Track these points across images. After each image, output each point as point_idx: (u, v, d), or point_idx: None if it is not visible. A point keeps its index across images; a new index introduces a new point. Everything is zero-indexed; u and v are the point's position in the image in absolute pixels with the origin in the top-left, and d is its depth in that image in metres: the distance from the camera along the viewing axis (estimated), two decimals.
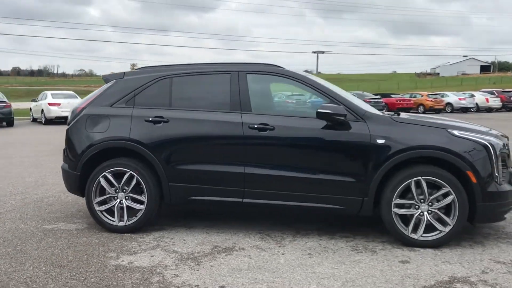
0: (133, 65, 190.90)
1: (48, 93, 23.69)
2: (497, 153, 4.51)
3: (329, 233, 4.98)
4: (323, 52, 45.89)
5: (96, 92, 5.33)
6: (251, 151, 4.78)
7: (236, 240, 4.76)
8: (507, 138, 5.00)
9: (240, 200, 4.83)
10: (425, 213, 4.51)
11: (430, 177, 4.47)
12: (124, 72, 5.33)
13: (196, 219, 5.49)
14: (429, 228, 4.53)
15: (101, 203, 5.01)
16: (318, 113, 4.58)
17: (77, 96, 24.15)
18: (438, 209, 4.51)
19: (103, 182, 4.96)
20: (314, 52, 45.24)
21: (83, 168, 5.06)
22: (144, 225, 5.02)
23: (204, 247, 4.57)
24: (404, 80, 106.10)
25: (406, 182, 4.50)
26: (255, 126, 4.74)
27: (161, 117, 4.94)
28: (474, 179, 4.43)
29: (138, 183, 4.93)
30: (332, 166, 4.67)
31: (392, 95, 36.67)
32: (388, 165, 4.53)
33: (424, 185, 4.48)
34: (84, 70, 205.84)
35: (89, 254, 4.36)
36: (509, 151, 4.76)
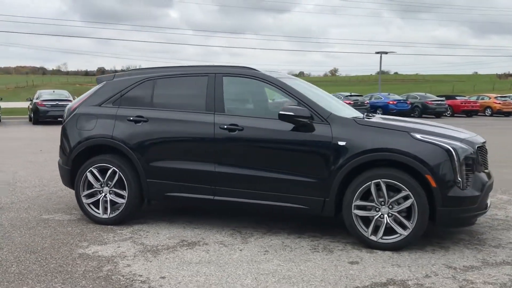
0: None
1: None
2: (461, 157, 4.43)
3: (299, 232, 5.09)
4: (386, 53, 44.86)
5: (88, 92, 5.74)
6: (221, 151, 4.98)
7: (206, 236, 4.98)
8: (482, 142, 4.89)
9: (211, 197, 5.04)
10: (386, 215, 4.51)
11: (389, 180, 4.47)
12: (114, 74, 5.72)
13: (180, 215, 5.76)
14: (390, 231, 4.53)
15: (88, 196, 5.40)
16: (279, 115, 4.71)
17: None
18: (399, 212, 4.50)
19: (89, 177, 5.35)
20: (377, 53, 44.36)
21: (73, 163, 5.48)
22: (126, 218, 5.35)
23: (172, 240, 4.82)
24: (483, 82, 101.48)
25: (366, 184, 4.52)
26: (225, 126, 4.94)
27: (142, 116, 5.26)
28: (433, 183, 4.38)
29: (120, 178, 5.26)
30: (296, 166, 4.77)
31: (457, 97, 35.31)
32: (348, 167, 4.57)
33: (384, 187, 4.48)
34: None
35: (64, 243, 4.75)
36: (478, 156, 4.65)
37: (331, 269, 4.06)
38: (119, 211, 5.30)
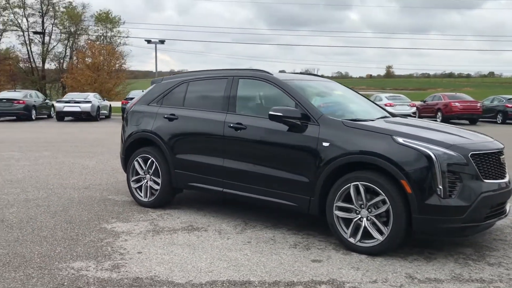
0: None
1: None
2: (443, 164, 4.20)
3: (299, 230, 5.26)
4: None
5: (143, 93, 6.62)
6: (228, 147, 5.42)
7: (213, 223, 5.47)
8: (487, 150, 4.52)
9: (221, 189, 5.52)
10: (364, 219, 4.50)
11: (367, 183, 4.44)
12: (163, 77, 6.50)
13: (210, 204, 6.32)
14: (369, 234, 4.50)
15: (136, 181, 6.28)
16: (269, 115, 4.97)
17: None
18: (378, 216, 4.44)
19: (136, 165, 6.22)
20: None
21: (126, 152, 6.42)
22: (161, 203, 6.09)
23: (181, 225, 5.41)
24: None
25: (346, 186, 4.56)
26: (231, 125, 5.37)
27: (174, 114, 5.95)
28: (408, 189, 4.25)
29: (156, 168, 6.03)
30: (288, 165, 4.98)
31: None
32: (330, 167, 4.65)
33: (362, 190, 4.47)
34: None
35: (99, 218, 5.66)
36: (472, 164, 4.33)
37: (288, 263, 4.25)
38: (155, 196, 6.06)
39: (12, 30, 60.79)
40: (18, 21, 60.63)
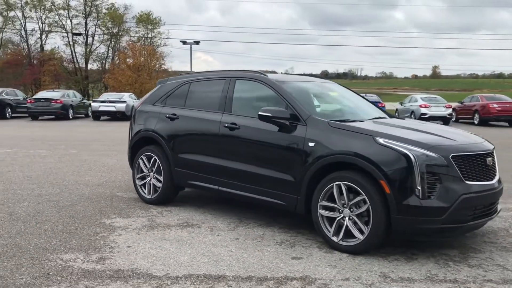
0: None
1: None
2: (422, 165, 4.22)
3: (291, 228, 5.35)
4: None
5: (148, 93, 6.85)
6: (223, 146, 5.57)
7: (208, 221, 5.63)
8: (471, 151, 4.50)
9: (217, 188, 5.67)
10: (347, 218, 4.56)
11: (348, 183, 4.50)
12: (168, 78, 6.71)
13: (212, 203, 6.48)
14: (351, 234, 4.56)
15: (140, 179, 6.52)
16: (259, 115, 5.08)
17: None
18: (359, 216, 4.49)
19: (141, 163, 6.46)
20: None
21: (131, 151, 6.67)
22: (164, 200, 6.30)
23: (178, 222, 5.59)
24: None
25: (330, 185, 4.63)
26: (226, 125, 5.52)
27: (175, 114, 6.15)
28: (387, 189, 4.29)
29: (158, 166, 6.24)
30: (277, 164, 5.08)
31: None
32: (314, 167, 4.73)
33: (344, 190, 4.54)
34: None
35: (101, 213, 5.91)
36: (453, 165, 4.32)
37: (267, 260, 4.36)
38: (157, 193, 6.28)
39: (57, 32, 63.06)
40: (62, 23, 62.86)
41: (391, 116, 5.92)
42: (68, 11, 62.58)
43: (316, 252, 4.60)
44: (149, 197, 6.37)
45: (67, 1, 62.02)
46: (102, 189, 7.30)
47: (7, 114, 25.30)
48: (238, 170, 5.39)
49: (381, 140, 4.45)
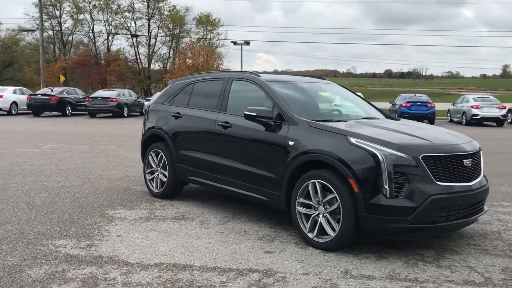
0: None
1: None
2: (389, 165, 4.28)
3: (281, 224, 5.51)
4: None
5: (160, 92, 7.20)
6: (217, 144, 5.82)
7: (203, 214, 5.89)
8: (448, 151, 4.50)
9: (212, 183, 5.93)
10: (321, 215, 4.68)
11: (322, 181, 4.62)
12: (177, 78, 7.03)
13: (216, 198, 6.74)
14: (325, 231, 4.67)
15: (150, 173, 6.89)
16: (245, 114, 5.28)
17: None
18: (332, 213, 4.60)
19: (150, 159, 6.83)
20: None
21: (143, 147, 7.05)
22: (170, 194, 6.64)
23: (174, 214, 5.89)
24: None
25: (306, 183, 4.76)
26: (219, 123, 5.76)
27: (179, 113, 6.46)
28: (355, 188, 4.37)
29: (164, 161, 6.58)
30: (263, 162, 5.26)
31: None
32: (293, 165, 4.88)
33: (319, 188, 4.66)
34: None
35: (108, 204, 6.31)
36: (424, 166, 4.34)
37: (240, 253, 4.55)
38: (163, 188, 6.62)
39: (122, 34, 65.75)
40: (127, 25, 65.43)
41: (387, 117, 5.94)
42: (132, 13, 65.08)
43: (291, 248, 4.74)
44: (156, 191, 6.72)
45: (132, 4, 64.57)
46: (120, 183, 7.75)
47: (67, 112, 26.84)
48: (230, 167, 5.62)
49: (353, 140, 4.53)
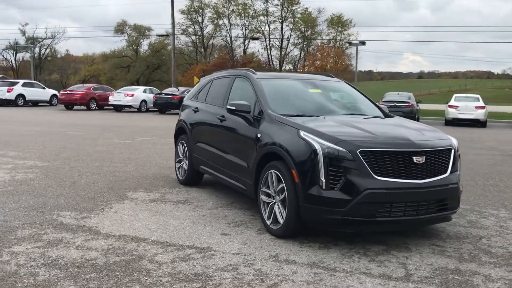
0: None
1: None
2: (325, 158, 4.42)
3: (257, 212, 5.79)
4: None
5: (193, 88, 7.87)
6: (216, 136, 6.32)
7: (204, 200, 6.41)
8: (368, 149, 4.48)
9: (212, 172, 6.44)
10: (277, 204, 4.95)
11: (276, 171, 4.89)
12: (206, 76, 7.64)
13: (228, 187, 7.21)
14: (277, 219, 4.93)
15: (178, 162, 7.61)
16: (226, 108, 5.70)
17: None
18: (283, 202, 4.83)
19: (178, 149, 7.56)
20: None
21: (175, 138, 7.79)
22: (191, 182, 7.28)
23: (179, 199, 6.49)
24: None
25: (266, 173, 5.07)
26: (218, 117, 6.25)
27: (197, 108, 7.08)
28: (296, 179, 4.58)
29: (186, 152, 7.25)
30: (242, 153, 5.64)
31: None
32: (257, 156, 5.21)
33: (275, 178, 4.93)
34: None
35: (131, 189, 7.12)
36: (361, 160, 4.40)
37: (198, 233, 4.99)
38: (185, 175, 7.29)
39: (258, 39, 68.41)
40: (261, 28, 67.94)
41: (386, 116, 5.92)
42: (267, 17, 67.40)
43: (249, 232, 5.06)
44: (181, 178, 7.41)
45: (267, 8, 66.91)
46: (165, 171, 8.58)
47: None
48: (223, 157, 6.09)
49: (301, 133, 4.73)
